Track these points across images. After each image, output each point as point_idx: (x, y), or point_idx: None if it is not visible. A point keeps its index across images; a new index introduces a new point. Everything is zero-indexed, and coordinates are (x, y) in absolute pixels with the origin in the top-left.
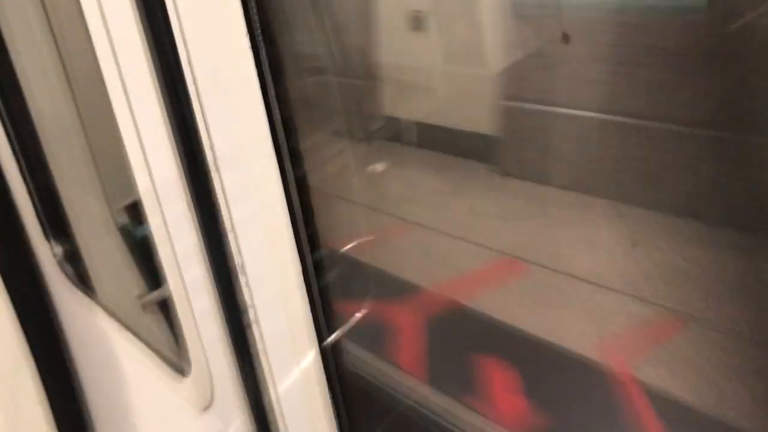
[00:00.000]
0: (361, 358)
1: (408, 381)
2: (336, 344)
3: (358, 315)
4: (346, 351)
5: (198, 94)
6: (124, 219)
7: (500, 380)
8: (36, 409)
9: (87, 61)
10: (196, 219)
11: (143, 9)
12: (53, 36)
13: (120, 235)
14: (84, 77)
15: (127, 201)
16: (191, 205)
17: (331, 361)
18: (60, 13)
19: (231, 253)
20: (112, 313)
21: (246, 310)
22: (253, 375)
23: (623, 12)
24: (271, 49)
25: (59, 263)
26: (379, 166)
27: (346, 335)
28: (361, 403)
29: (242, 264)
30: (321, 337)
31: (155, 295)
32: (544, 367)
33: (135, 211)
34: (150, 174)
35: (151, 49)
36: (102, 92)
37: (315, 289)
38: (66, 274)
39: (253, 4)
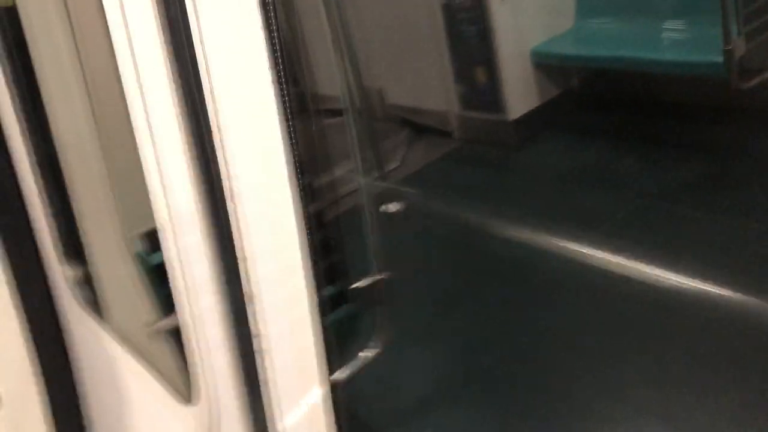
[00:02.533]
0: (371, 398)
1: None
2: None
3: (370, 354)
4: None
5: (219, 126)
6: (138, 246)
7: None
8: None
9: (111, 88)
10: (210, 248)
11: (171, 41)
12: (79, 60)
13: (134, 262)
14: (107, 103)
15: (143, 228)
16: (206, 234)
17: (340, 398)
18: (87, 39)
19: (242, 282)
20: (121, 339)
21: (254, 339)
22: (259, 406)
23: None
24: (293, 87)
25: (71, 287)
26: (392, 206)
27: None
28: None
29: (251, 294)
30: (330, 373)
31: (165, 322)
32: None
33: (150, 239)
34: (167, 201)
35: (175, 79)
36: (124, 119)
37: (326, 323)
38: (77, 298)
39: (277, 42)
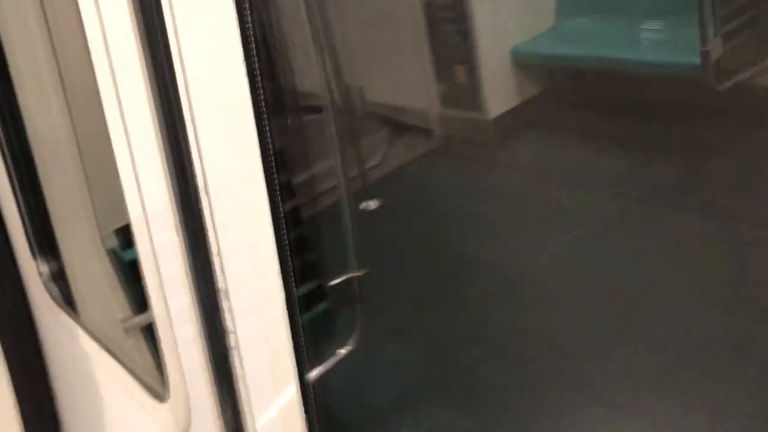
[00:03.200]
0: (347, 396)
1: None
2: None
3: (346, 351)
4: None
5: (193, 120)
6: (112, 242)
7: None
8: (12, 428)
9: (85, 82)
10: (183, 243)
11: (145, 35)
12: (54, 56)
13: (108, 258)
14: (81, 98)
15: (118, 224)
16: (180, 229)
17: (315, 396)
18: (61, 36)
19: (216, 278)
20: (94, 335)
21: (227, 335)
22: (231, 403)
23: None
24: (269, 83)
25: (44, 282)
26: (371, 204)
27: (333, 371)
28: None
29: (226, 290)
30: (302, 371)
31: (139, 319)
32: None
33: (124, 235)
34: (141, 196)
35: (149, 73)
36: (99, 114)
37: (299, 321)
38: (51, 293)
39: (252, 38)
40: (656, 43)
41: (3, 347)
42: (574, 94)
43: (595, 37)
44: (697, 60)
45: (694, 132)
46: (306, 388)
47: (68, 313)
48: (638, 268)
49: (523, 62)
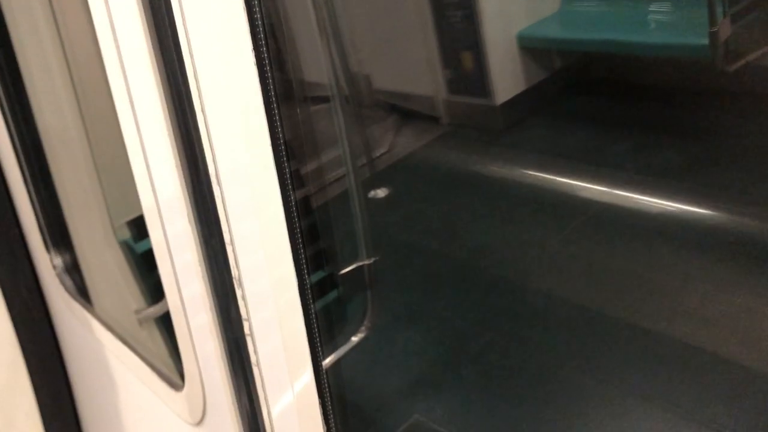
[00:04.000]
0: (361, 381)
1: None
2: (333, 367)
3: (355, 339)
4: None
5: (203, 109)
6: (125, 233)
7: None
8: (31, 420)
9: (95, 74)
10: (196, 232)
11: (154, 28)
12: (62, 49)
13: (121, 250)
14: (91, 90)
15: (130, 216)
16: (192, 218)
17: (330, 382)
18: (70, 27)
19: (230, 266)
20: (108, 326)
21: (243, 323)
22: (246, 390)
23: None
24: (278, 72)
25: (58, 275)
26: (380, 192)
27: (347, 357)
28: (360, 428)
29: (240, 277)
30: (318, 358)
31: (153, 309)
32: None
33: (136, 226)
34: (153, 187)
35: (158, 64)
36: (108, 106)
37: (313, 308)
38: (65, 285)
39: (260, 26)
40: (663, 24)
41: (20, 339)
42: (581, 78)
43: (601, 20)
44: (705, 41)
45: (704, 113)
46: (320, 375)
47: (82, 305)
48: (649, 251)
49: (529, 47)
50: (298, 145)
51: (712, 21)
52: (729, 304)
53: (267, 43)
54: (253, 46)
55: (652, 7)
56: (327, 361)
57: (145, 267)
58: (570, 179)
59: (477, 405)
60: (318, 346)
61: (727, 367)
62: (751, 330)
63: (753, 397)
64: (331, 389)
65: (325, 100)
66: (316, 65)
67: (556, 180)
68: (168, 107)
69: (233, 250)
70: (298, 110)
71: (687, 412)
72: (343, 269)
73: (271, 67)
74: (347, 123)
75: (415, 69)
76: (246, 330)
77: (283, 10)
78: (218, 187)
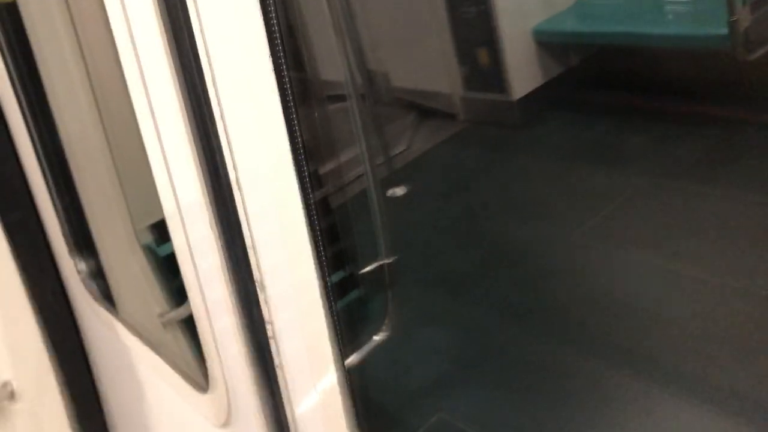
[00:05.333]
0: (384, 381)
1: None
2: (359, 365)
3: (377, 338)
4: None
5: (222, 114)
6: (147, 237)
7: None
8: (59, 423)
9: (115, 81)
10: (218, 237)
11: (171, 33)
12: (82, 55)
13: (143, 254)
14: (111, 97)
15: (152, 220)
16: (214, 222)
17: (354, 382)
18: (89, 35)
19: (252, 270)
20: (133, 330)
21: (267, 325)
22: (271, 392)
23: None
24: (295, 72)
25: (83, 280)
26: (398, 190)
27: (370, 357)
28: (384, 427)
29: (262, 280)
30: (341, 358)
31: (176, 312)
32: None
33: (158, 230)
34: (174, 192)
35: (177, 69)
36: (129, 112)
37: (334, 308)
38: (89, 290)
39: (277, 30)
40: (681, 15)
41: (47, 344)
42: (598, 72)
43: (618, 12)
44: (724, 31)
45: (723, 105)
46: (344, 375)
47: (107, 309)
48: (672, 244)
49: (545, 41)
50: (317, 145)
51: (732, 10)
52: None
53: (284, 48)
54: (270, 51)
55: None
56: (350, 361)
57: (167, 270)
58: (590, 173)
59: (500, 402)
60: (340, 347)
61: None
62: None
63: None
64: (355, 389)
65: (343, 98)
66: (333, 65)
67: (576, 174)
68: (187, 113)
69: (255, 254)
70: (316, 112)
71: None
72: (363, 269)
73: (288, 71)
74: (365, 121)
75: (431, 66)
76: (269, 333)
77: (299, 12)
78: (239, 192)
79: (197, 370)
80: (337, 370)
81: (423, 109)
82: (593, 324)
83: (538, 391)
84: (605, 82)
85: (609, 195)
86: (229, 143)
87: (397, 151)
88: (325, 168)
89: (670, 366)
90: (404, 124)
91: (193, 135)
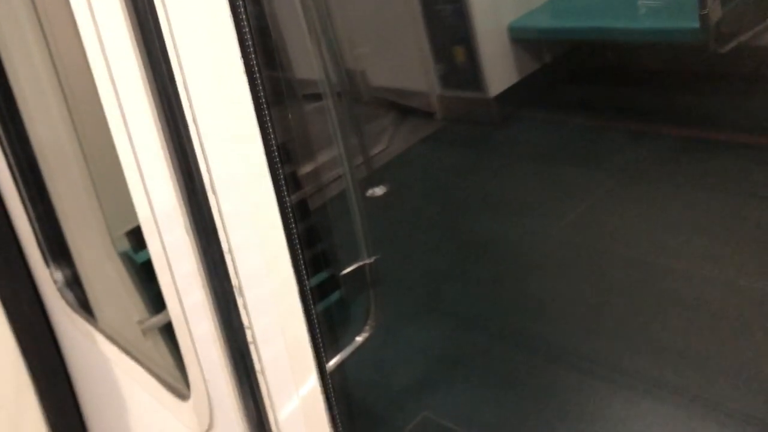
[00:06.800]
0: (366, 382)
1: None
2: (338, 369)
3: (360, 339)
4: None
5: (194, 118)
6: (124, 245)
7: None
8: None
9: (86, 87)
10: (194, 242)
11: (141, 37)
12: (52, 62)
13: (120, 261)
14: (83, 103)
15: (128, 227)
16: (189, 228)
17: (335, 384)
18: (58, 40)
19: (229, 275)
20: (112, 339)
21: (246, 331)
22: (252, 398)
23: None
24: (268, 73)
25: (59, 289)
26: (378, 190)
27: (352, 358)
28: (369, 429)
29: (240, 285)
30: (321, 362)
31: (156, 320)
32: None
33: (135, 237)
34: (148, 198)
35: (147, 74)
36: (100, 118)
37: (314, 311)
38: (66, 299)
39: (248, 30)
40: (654, 10)
41: (24, 356)
42: (573, 67)
43: (592, 8)
44: (696, 24)
45: (697, 97)
46: (325, 378)
47: (85, 318)
48: (647, 240)
49: (521, 38)
50: (294, 146)
51: (702, 3)
52: None
53: (255, 49)
54: (242, 54)
55: None
56: (332, 363)
57: (146, 277)
58: (567, 170)
59: (485, 400)
60: (321, 350)
61: None
62: None
63: None
64: (337, 391)
65: (320, 97)
66: (309, 63)
67: (553, 171)
68: (159, 118)
69: (232, 259)
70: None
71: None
72: (344, 270)
73: (260, 72)
74: (342, 121)
75: (408, 64)
76: (249, 338)
77: (272, 12)
78: (213, 196)
79: (178, 377)
80: (318, 373)
81: (402, 107)
82: (576, 320)
83: (522, 387)
84: (581, 78)
85: (586, 191)
86: (202, 147)
87: (377, 151)
88: (305, 169)
89: (652, 361)
90: (384, 123)
91: (165, 140)
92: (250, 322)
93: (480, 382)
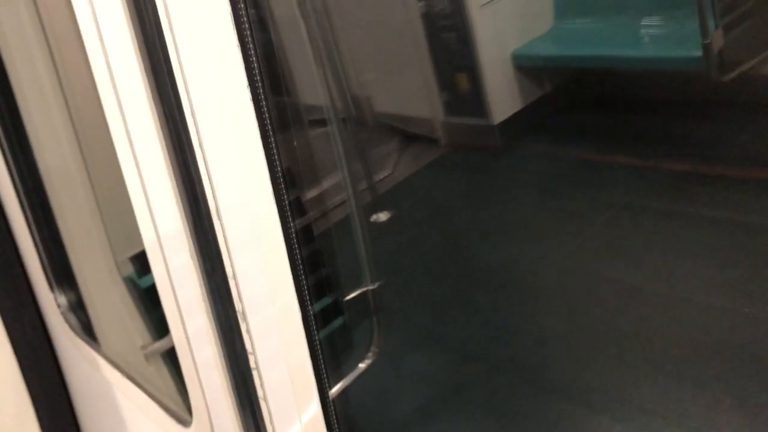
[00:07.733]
0: (369, 409)
1: None
2: (341, 395)
3: (363, 365)
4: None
5: (201, 144)
6: (128, 269)
7: None
8: None
9: (93, 113)
10: (199, 267)
11: (149, 63)
12: (61, 89)
13: (125, 286)
14: (90, 128)
15: (133, 251)
16: (194, 252)
17: (338, 411)
18: (68, 68)
19: (233, 300)
20: (115, 363)
21: (247, 357)
22: (254, 424)
23: None
24: (274, 100)
25: (63, 313)
26: (382, 216)
27: (355, 384)
28: None
29: (243, 311)
30: (323, 388)
31: (159, 344)
32: None
33: (139, 262)
34: (154, 222)
35: (155, 100)
36: (107, 143)
37: (317, 337)
38: (70, 324)
39: (254, 57)
40: (656, 38)
41: (26, 380)
42: (576, 95)
43: (595, 36)
44: (699, 53)
45: (701, 126)
46: (327, 405)
47: (88, 343)
48: (649, 267)
49: (524, 66)
50: (299, 171)
51: (704, 33)
52: None
53: (262, 76)
54: (248, 81)
55: (645, 22)
56: (334, 390)
57: (149, 302)
58: (570, 196)
59: (486, 430)
60: (324, 376)
61: None
62: None
63: None
64: (339, 418)
65: (325, 123)
66: (313, 90)
67: (556, 197)
68: (166, 143)
69: (236, 284)
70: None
71: None
72: (347, 295)
73: (266, 99)
74: (347, 146)
75: (413, 91)
76: (252, 364)
77: (277, 39)
78: (218, 221)
79: (180, 402)
80: (321, 400)
81: (407, 134)
82: (579, 347)
83: (525, 416)
84: (584, 105)
85: (589, 217)
86: (208, 172)
87: (381, 176)
88: (310, 194)
89: (657, 389)
90: (388, 149)
91: (172, 165)
92: (253, 348)
93: (482, 411)
